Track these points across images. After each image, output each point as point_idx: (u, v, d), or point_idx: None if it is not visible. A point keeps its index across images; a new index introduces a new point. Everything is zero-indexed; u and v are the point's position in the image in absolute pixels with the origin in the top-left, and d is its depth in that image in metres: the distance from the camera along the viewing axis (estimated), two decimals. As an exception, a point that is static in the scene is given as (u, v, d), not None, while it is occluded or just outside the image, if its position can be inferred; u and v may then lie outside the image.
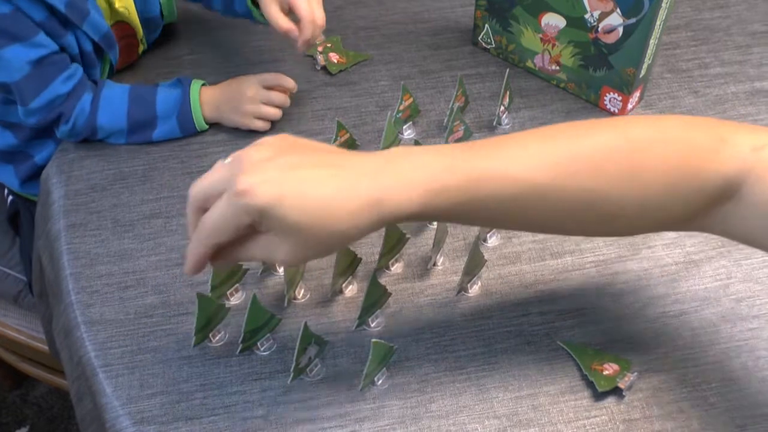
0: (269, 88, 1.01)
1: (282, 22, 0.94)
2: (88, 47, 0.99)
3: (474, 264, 0.83)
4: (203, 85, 1.02)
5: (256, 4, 1.00)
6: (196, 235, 0.60)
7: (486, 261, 0.85)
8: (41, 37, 0.93)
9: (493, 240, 0.91)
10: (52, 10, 0.93)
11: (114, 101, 0.99)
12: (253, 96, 1.00)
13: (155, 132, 1.00)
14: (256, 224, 0.57)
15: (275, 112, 1.01)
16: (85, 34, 0.98)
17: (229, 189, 0.56)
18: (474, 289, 0.86)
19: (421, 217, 0.58)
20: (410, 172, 0.57)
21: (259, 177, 0.55)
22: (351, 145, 0.99)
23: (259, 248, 0.59)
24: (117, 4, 1.01)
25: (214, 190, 0.58)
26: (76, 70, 0.98)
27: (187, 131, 1.01)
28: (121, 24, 1.04)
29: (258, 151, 0.58)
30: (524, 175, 0.58)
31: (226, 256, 0.61)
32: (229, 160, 0.58)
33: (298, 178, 0.56)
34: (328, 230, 0.56)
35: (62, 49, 0.96)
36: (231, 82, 1.03)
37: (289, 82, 1.01)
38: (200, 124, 1.01)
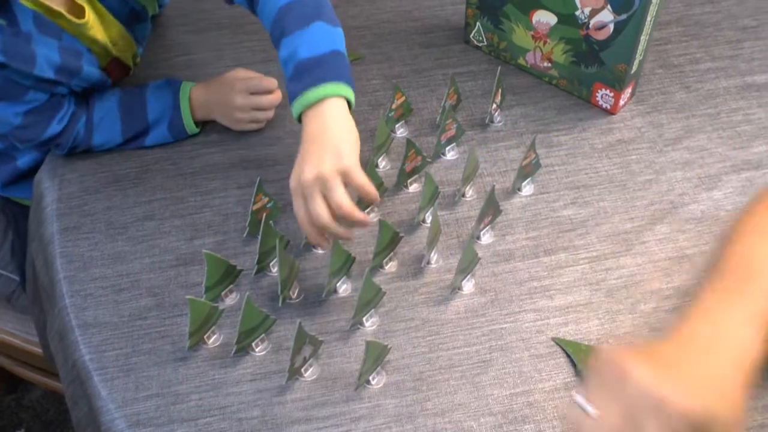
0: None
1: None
2: (79, 89, 0.99)
3: (468, 261, 0.83)
4: (193, 86, 1.01)
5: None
6: None
7: (480, 258, 0.85)
8: (31, 95, 0.91)
9: (487, 237, 0.91)
10: (41, 78, 0.91)
11: (107, 120, 0.98)
12: (243, 105, 0.99)
13: (147, 139, 1.00)
14: None
15: (266, 116, 1.01)
16: (77, 83, 0.97)
17: (661, 413, 0.55)
18: (468, 287, 0.86)
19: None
20: (746, 329, 0.62)
21: (688, 391, 0.56)
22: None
23: None
24: (114, 51, 1.00)
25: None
26: (69, 105, 0.97)
27: (178, 136, 1.01)
28: (115, 60, 1.03)
29: (630, 375, 0.57)
30: None
31: None
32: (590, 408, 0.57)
33: (694, 381, 0.58)
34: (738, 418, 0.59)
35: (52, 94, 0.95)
36: (219, 82, 1.01)
37: (272, 83, 0.99)
38: (191, 128, 1.01)
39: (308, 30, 0.82)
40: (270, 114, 1.01)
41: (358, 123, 1.03)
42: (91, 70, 0.96)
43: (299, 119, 0.83)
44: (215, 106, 1.00)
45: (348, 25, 1.18)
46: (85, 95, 1.00)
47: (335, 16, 0.86)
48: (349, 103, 0.84)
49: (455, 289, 0.86)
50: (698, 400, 0.56)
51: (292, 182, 0.80)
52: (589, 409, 0.58)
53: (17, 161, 1.06)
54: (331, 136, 0.80)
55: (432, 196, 0.90)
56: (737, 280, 0.66)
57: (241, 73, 1.00)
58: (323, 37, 0.83)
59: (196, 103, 1.00)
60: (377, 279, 0.86)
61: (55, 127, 0.95)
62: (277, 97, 1.00)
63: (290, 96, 0.82)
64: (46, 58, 0.89)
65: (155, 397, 0.78)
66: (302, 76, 0.81)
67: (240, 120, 1.00)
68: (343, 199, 0.77)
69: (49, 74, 0.90)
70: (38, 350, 1.18)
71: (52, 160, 1.01)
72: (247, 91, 0.98)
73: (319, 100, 0.80)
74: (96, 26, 0.95)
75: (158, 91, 1.00)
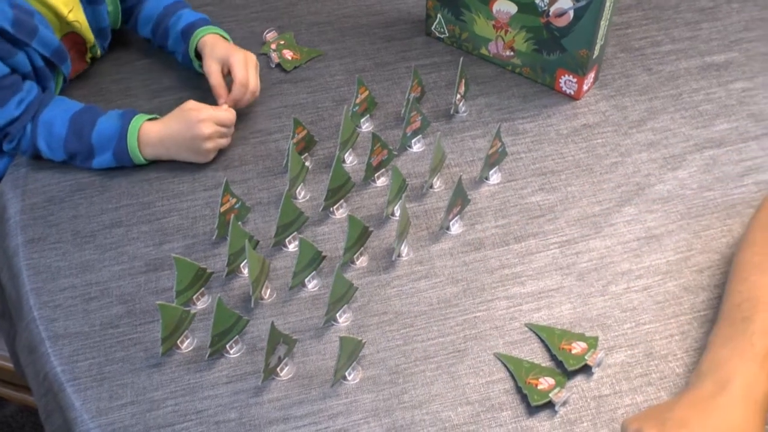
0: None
1: (216, 80, 1.00)
2: (40, 63, 0.97)
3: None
4: (149, 119, 0.97)
5: (199, 57, 1.04)
6: None
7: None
8: None
9: (456, 227, 0.91)
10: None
11: (54, 128, 0.95)
12: (212, 134, 0.95)
13: (94, 161, 0.97)
14: None
15: (227, 141, 0.99)
16: (36, 50, 0.96)
17: None
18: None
19: None
20: (752, 370, 0.68)
21: None
22: (309, 141, 0.98)
23: None
24: (70, 18, 0.99)
25: None
26: (29, 91, 0.95)
27: (125, 164, 0.98)
28: (71, 35, 1.03)
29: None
30: None
31: None
32: None
33: None
34: None
35: (13, 70, 0.94)
36: (177, 117, 0.97)
37: (232, 113, 0.98)
38: (138, 159, 0.97)
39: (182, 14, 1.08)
40: (230, 138, 0.99)
41: (322, 119, 1.04)
42: (47, 33, 0.96)
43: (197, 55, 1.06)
44: (176, 143, 0.96)
45: (309, 22, 1.19)
46: (43, 86, 1.00)
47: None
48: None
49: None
50: None
51: (242, 55, 1.01)
52: None
53: None
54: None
55: (400, 188, 0.90)
56: (741, 321, 0.71)
57: (199, 104, 0.97)
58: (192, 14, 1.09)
59: (149, 139, 0.96)
60: (348, 275, 0.86)
61: (13, 110, 0.94)
62: (234, 114, 0.98)
63: (186, 37, 1.06)
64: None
65: (130, 405, 0.77)
66: (189, 33, 1.06)
67: (208, 150, 0.97)
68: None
69: (6, 26, 0.90)
70: (10, 365, 1.16)
71: (14, 170, 0.99)
72: (212, 120, 0.96)
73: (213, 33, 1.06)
74: None
75: (110, 119, 0.97)
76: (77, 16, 1.01)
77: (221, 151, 1.00)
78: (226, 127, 0.98)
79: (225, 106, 0.99)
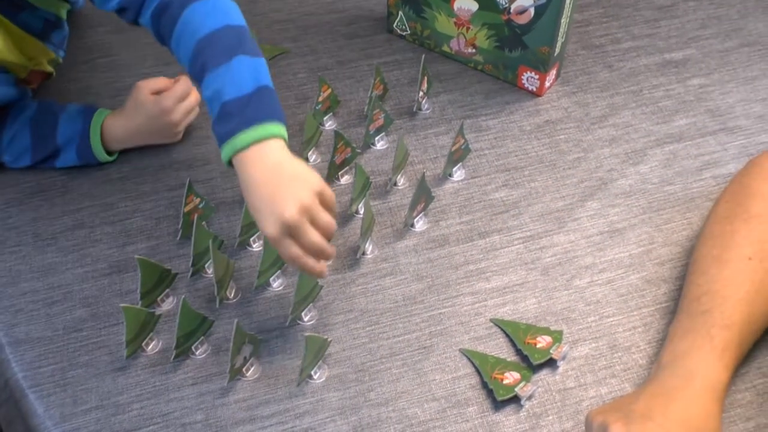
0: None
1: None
2: None
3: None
4: (108, 113, 0.95)
5: None
6: None
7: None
8: None
9: (421, 224, 0.91)
10: None
11: (16, 139, 0.94)
12: (180, 118, 0.95)
13: (57, 161, 0.95)
14: None
15: (196, 113, 0.98)
16: None
17: None
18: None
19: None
20: (711, 363, 0.70)
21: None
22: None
23: None
24: (32, 65, 0.97)
25: None
26: None
27: (88, 162, 0.96)
28: (34, 70, 1.00)
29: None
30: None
31: None
32: None
33: (668, 427, 0.65)
34: None
35: None
36: (139, 110, 0.93)
37: (187, 83, 0.93)
38: (102, 157, 0.95)
39: (231, 65, 0.77)
40: (197, 107, 0.97)
41: (286, 117, 1.03)
42: (7, 90, 0.93)
43: (229, 163, 0.76)
44: (143, 135, 0.96)
45: (271, 19, 1.18)
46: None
47: (256, 45, 0.81)
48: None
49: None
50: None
51: (272, 230, 0.72)
52: None
53: None
54: (287, 169, 0.75)
55: (364, 186, 0.91)
56: (700, 314, 0.73)
57: (150, 84, 0.94)
58: (248, 72, 0.77)
59: (113, 134, 0.95)
60: (314, 273, 0.86)
61: None
62: (197, 94, 0.95)
63: (218, 139, 0.76)
64: None
65: (95, 410, 0.76)
66: (231, 117, 0.75)
67: (179, 132, 0.97)
68: (330, 218, 0.75)
69: None
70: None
71: (-29, 174, 0.97)
72: (178, 101, 0.94)
73: (255, 143, 0.74)
74: (7, 48, 0.91)
75: (71, 116, 0.95)
76: (40, 62, 0.98)
77: (184, 151, 0.99)
78: (188, 99, 0.94)
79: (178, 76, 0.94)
